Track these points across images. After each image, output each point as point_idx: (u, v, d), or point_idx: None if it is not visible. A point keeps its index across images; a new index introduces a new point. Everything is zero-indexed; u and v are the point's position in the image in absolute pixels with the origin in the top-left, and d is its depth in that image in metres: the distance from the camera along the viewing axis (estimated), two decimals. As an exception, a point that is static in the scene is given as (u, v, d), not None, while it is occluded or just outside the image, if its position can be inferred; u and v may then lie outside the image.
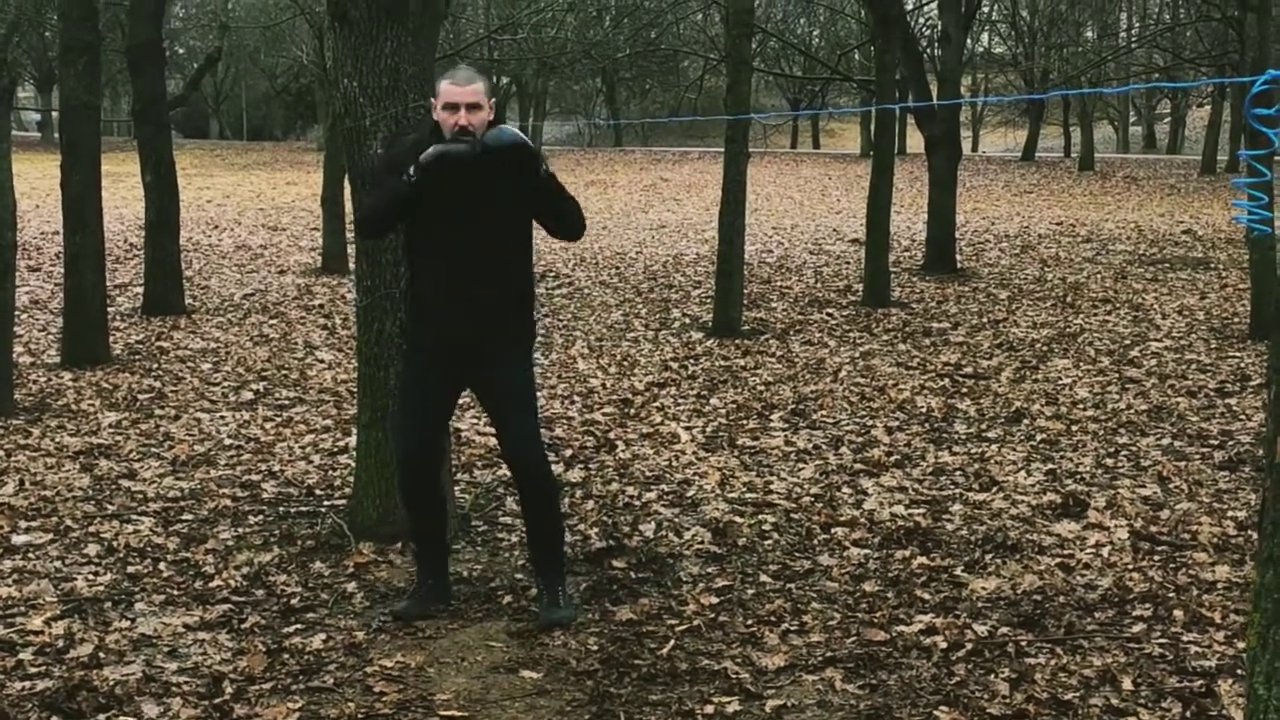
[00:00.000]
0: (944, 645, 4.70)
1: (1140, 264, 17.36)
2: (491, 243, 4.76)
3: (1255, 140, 6.84)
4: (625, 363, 10.46)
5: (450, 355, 4.86)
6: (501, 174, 4.66)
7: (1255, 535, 2.80)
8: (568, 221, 4.93)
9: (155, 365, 10.27)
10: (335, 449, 7.61)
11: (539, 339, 9.98)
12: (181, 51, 53.45)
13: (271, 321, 12.63)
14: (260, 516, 6.31)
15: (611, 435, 7.98)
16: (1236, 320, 12.39)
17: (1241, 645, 4.41)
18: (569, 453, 7.56)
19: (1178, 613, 4.98)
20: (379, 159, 4.89)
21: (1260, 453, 2.65)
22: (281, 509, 6.44)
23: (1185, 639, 4.75)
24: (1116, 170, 39.62)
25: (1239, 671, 4.28)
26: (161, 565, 5.61)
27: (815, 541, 5.94)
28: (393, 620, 4.95)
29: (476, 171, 4.61)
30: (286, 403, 8.96)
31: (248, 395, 9.19)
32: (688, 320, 12.80)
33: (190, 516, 6.33)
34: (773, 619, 4.98)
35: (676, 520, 6.24)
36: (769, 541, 5.92)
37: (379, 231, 5.02)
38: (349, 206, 6.69)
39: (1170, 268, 16.91)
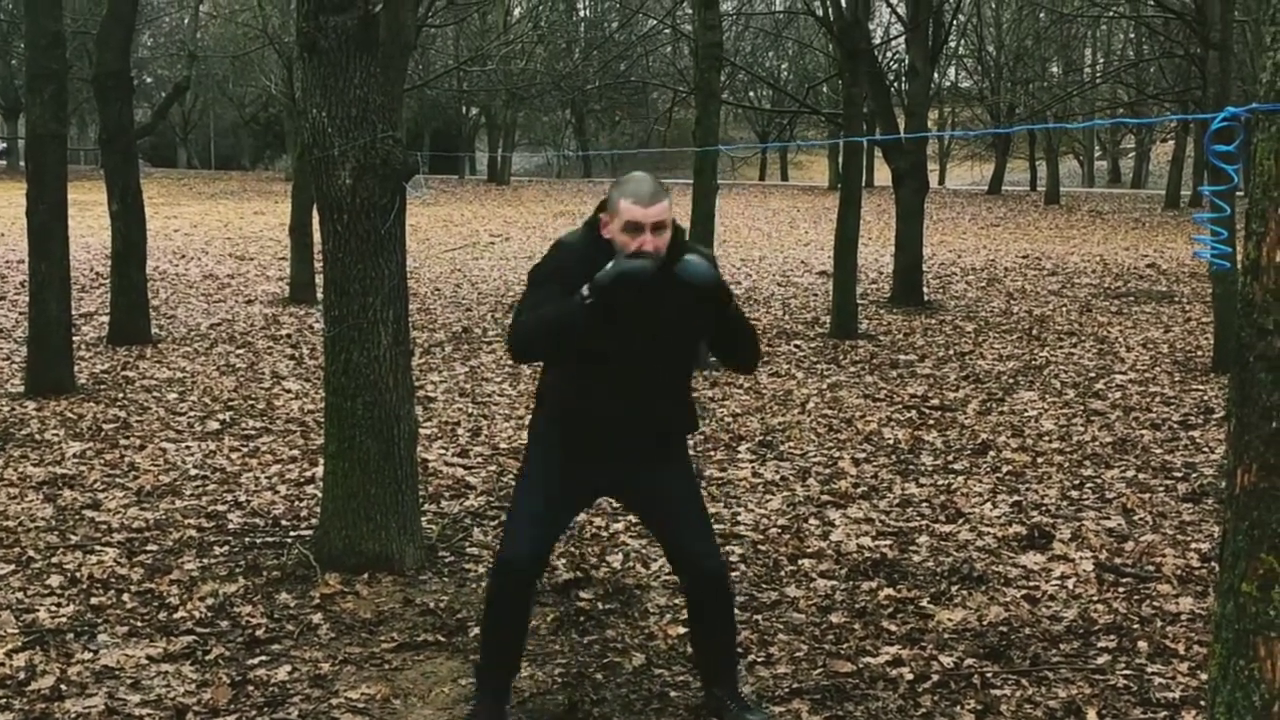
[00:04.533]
0: (910, 676, 4.71)
1: (1105, 297, 17.49)
2: (665, 369, 4.22)
3: (1216, 176, 6.88)
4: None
5: (593, 462, 4.25)
6: (684, 300, 4.05)
7: (1218, 567, 2.83)
8: (745, 354, 4.37)
9: (120, 395, 10.21)
10: (302, 479, 7.58)
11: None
12: (149, 80, 53.31)
13: (238, 351, 12.57)
14: (226, 547, 6.28)
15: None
16: (1200, 353, 12.49)
17: (1205, 676, 4.44)
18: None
19: (1142, 644, 5.01)
20: (542, 270, 4.16)
21: (1223, 485, 2.67)
22: (247, 539, 6.40)
23: (1150, 670, 4.77)
24: (1082, 204, 39.95)
25: (1202, 703, 4.30)
26: (125, 596, 5.57)
27: (782, 573, 5.95)
28: None
29: (659, 297, 4.02)
30: (253, 433, 8.92)
31: (214, 425, 9.14)
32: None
33: (155, 547, 6.29)
34: (739, 650, 4.98)
35: (644, 551, 6.24)
36: (736, 573, 5.92)
37: (540, 355, 4.25)
38: (317, 236, 6.67)
39: (1135, 301, 17.04)
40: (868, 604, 5.51)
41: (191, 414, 9.54)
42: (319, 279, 9.71)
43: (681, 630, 5.15)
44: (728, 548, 6.26)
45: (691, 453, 8.20)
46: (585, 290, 3.94)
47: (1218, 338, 11.62)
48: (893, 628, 5.22)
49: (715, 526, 6.59)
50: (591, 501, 4.57)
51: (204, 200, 39.25)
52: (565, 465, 4.23)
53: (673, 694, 4.57)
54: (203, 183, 47.86)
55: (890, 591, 5.65)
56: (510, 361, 4.17)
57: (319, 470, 6.85)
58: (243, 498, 7.20)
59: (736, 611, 5.35)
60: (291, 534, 6.45)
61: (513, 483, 7.45)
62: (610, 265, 3.94)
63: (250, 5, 24.65)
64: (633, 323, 4.04)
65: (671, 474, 4.31)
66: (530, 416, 4.47)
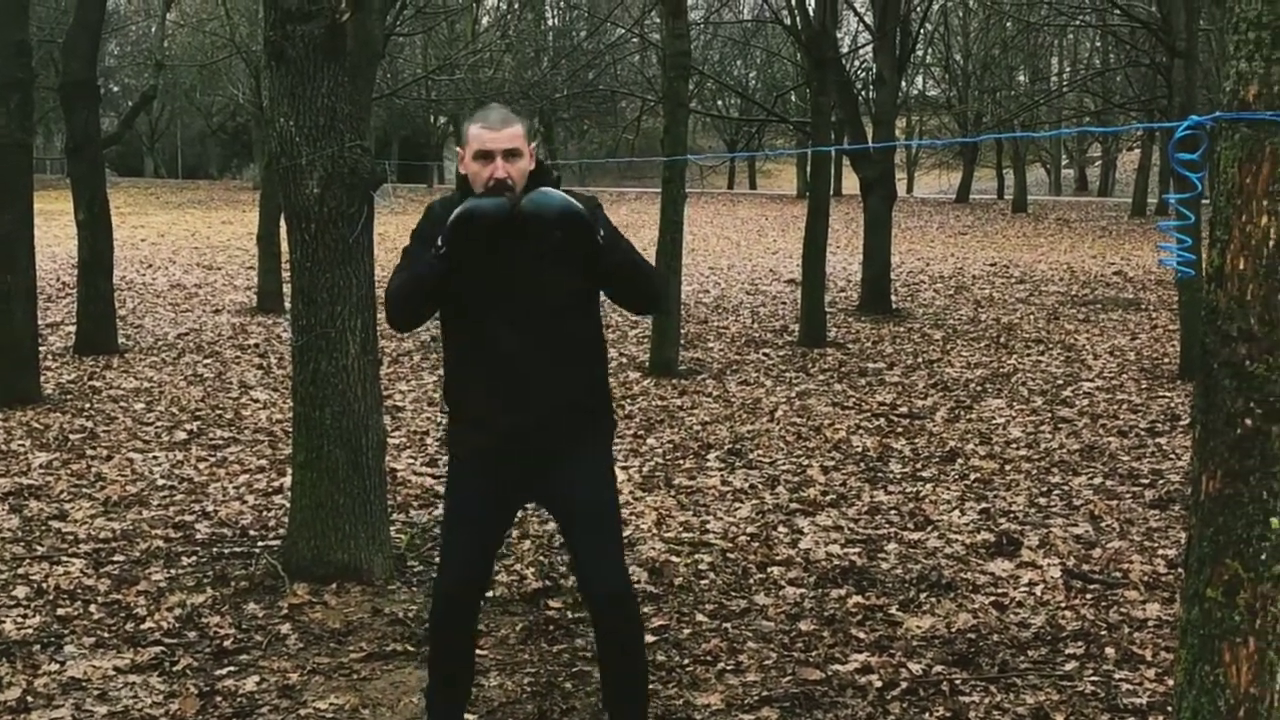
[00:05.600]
0: (879, 684, 4.72)
1: (1072, 305, 17.59)
2: (550, 325, 3.82)
3: (1181, 184, 6.97)
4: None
5: (505, 468, 3.93)
6: (552, 239, 3.71)
7: (1184, 573, 2.85)
8: (639, 289, 3.95)
9: (87, 405, 10.14)
10: (270, 489, 7.55)
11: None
12: (116, 89, 53.00)
13: (206, 361, 12.51)
14: (193, 557, 6.25)
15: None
16: (1167, 361, 12.57)
17: (1171, 682, 4.47)
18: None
19: (1109, 650, 5.04)
20: (413, 234, 3.92)
21: (1190, 491, 2.71)
22: (215, 550, 6.37)
23: (1117, 676, 4.80)
24: (1049, 212, 40.16)
25: (1169, 708, 4.32)
26: (92, 607, 5.53)
27: (751, 581, 5.95)
28: None
29: (522, 238, 3.71)
30: (221, 443, 8.87)
31: (181, 435, 9.09)
32: (625, 360, 12.82)
33: (122, 558, 6.25)
34: (709, 658, 4.98)
35: (613, 560, 6.22)
36: (705, 581, 5.92)
37: (408, 318, 3.89)
38: (285, 245, 6.65)
39: (1102, 308, 17.14)
40: (836, 611, 5.52)
41: (159, 424, 9.48)
42: (287, 288, 9.67)
43: (650, 639, 5.15)
44: (697, 555, 6.27)
45: (619, 459, 8.24)
46: (439, 240, 3.69)
47: (1184, 345, 11.70)
48: (861, 635, 5.24)
49: (684, 535, 6.63)
50: (516, 512, 4.26)
51: (171, 209, 39.06)
52: (480, 481, 3.96)
53: (643, 703, 4.56)
54: (170, 192, 47.59)
55: (859, 599, 5.66)
56: (390, 328, 3.78)
57: (287, 480, 6.82)
58: (210, 508, 7.16)
59: (705, 620, 5.37)
60: (259, 544, 6.42)
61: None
62: (460, 207, 3.66)
63: (218, 14, 24.55)
64: (500, 273, 3.76)
65: (583, 479, 3.94)
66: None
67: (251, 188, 44.37)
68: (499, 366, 3.82)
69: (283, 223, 6.53)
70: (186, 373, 11.80)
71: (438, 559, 4.21)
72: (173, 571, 6.02)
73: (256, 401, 10.40)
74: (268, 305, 16.37)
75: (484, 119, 3.80)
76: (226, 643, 5.13)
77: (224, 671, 4.85)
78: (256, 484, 7.70)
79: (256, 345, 13.57)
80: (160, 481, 7.75)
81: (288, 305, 10.31)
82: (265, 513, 7.07)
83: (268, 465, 8.15)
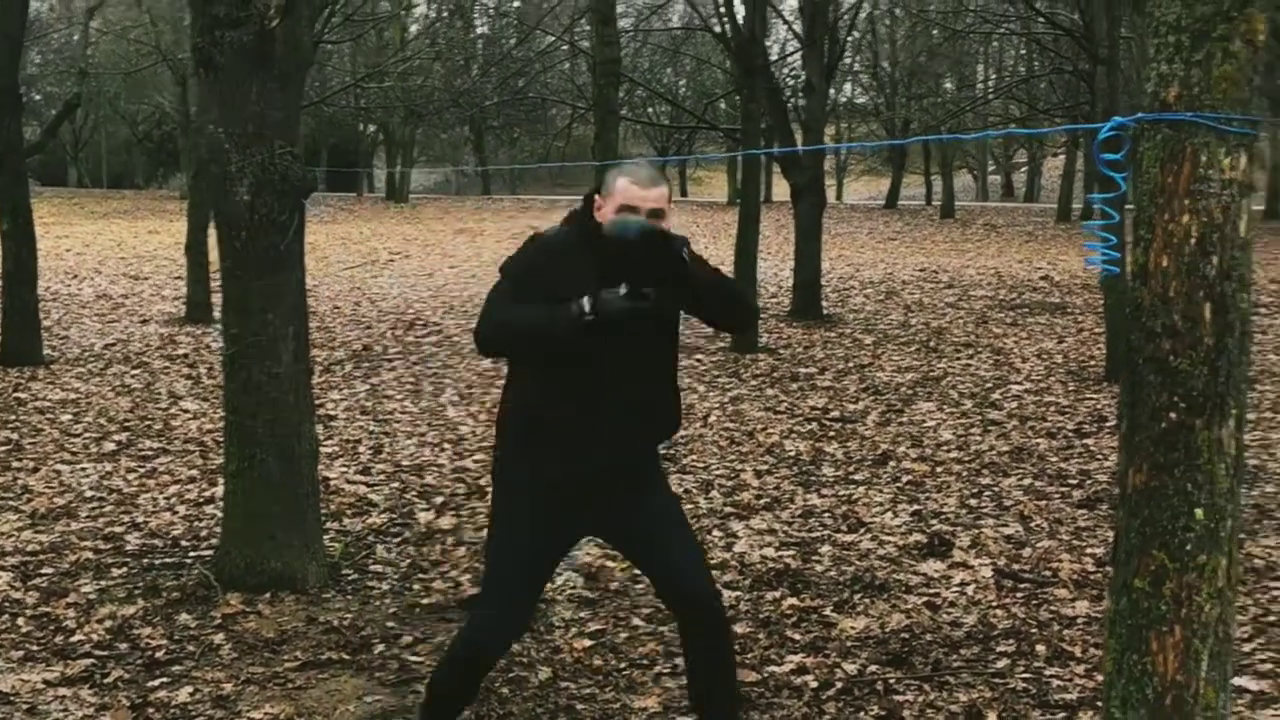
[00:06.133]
0: (814, 684, 4.75)
1: (1000, 309, 17.79)
2: (649, 351, 3.81)
3: (1105, 185, 7.08)
4: (496, 409, 10.41)
5: (578, 493, 3.79)
6: (641, 263, 3.65)
7: (1112, 569, 2.90)
8: (731, 306, 3.98)
9: (12, 417, 9.99)
10: (201, 499, 7.48)
11: (410, 384, 9.88)
12: (39, 98, 52.23)
13: (134, 371, 12.37)
14: (124, 569, 6.18)
15: (483, 482, 7.95)
16: (1093, 363, 12.74)
17: (1101, 678, 4.54)
18: (440, 500, 7.52)
19: (1040, 647, 5.11)
20: (516, 266, 3.82)
21: (1116, 491, 2.76)
22: (146, 561, 6.30)
23: (1048, 673, 4.86)
24: (976, 218, 40.58)
25: (1099, 703, 4.39)
26: (20, 620, 5.45)
27: (655, 591, 5.96)
28: None
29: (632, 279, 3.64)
30: (150, 453, 8.78)
31: (110, 446, 8.98)
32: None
33: (50, 570, 6.17)
34: (645, 662, 5.00)
35: (549, 566, 6.22)
36: (641, 585, 5.93)
37: (510, 353, 3.91)
38: (214, 255, 6.59)
39: (1029, 312, 17.35)
40: (772, 614, 5.55)
41: (86, 435, 9.36)
42: (216, 298, 9.59)
43: (588, 643, 5.16)
44: (633, 560, 6.28)
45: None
46: (587, 306, 3.57)
47: (1110, 347, 11.86)
48: (797, 637, 5.27)
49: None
50: (571, 547, 4.07)
51: (96, 219, 38.54)
52: (543, 515, 3.79)
53: (579, 707, 4.57)
54: (95, 202, 46.97)
55: (794, 601, 5.70)
56: (478, 351, 3.86)
57: (218, 490, 6.76)
58: (141, 519, 7.08)
59: (641, 624, 5.39)
60: (191, 554, 6.36)
61: (416, 500, 7.45)
62: (621, 291, 3.57)
63: (142, 22, 24.32)
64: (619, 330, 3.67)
65: (654, 496, 3.92)
66: (494, 455, 4.02)
67: (179, 197, 43.91)
68: (603, 391, 3.72)
69: (212, 231, 6.48)
70: (114, 383, 11.66)
71: (481, 594, 4.03)
72: (103, 583, 5.95)
73: (186, 412, 10.29)
74: (196, 315, 16.19)
75: (634, 175, 3.79)
76: (159, 654, 5.08)
77: (156, 683, 4.80)
78: (188, 494, 7.62)
79: (185, 355, 13.43)
80: (89, 493, 7.66)
81: (217, 315, 10.22)
82: (197, 523, 7.00)
83: (199, 475, 8.07)
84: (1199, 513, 2.73)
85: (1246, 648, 5.08)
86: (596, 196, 3.82)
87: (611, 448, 3.76)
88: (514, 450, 3.86)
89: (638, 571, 6.08)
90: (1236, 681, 4.55)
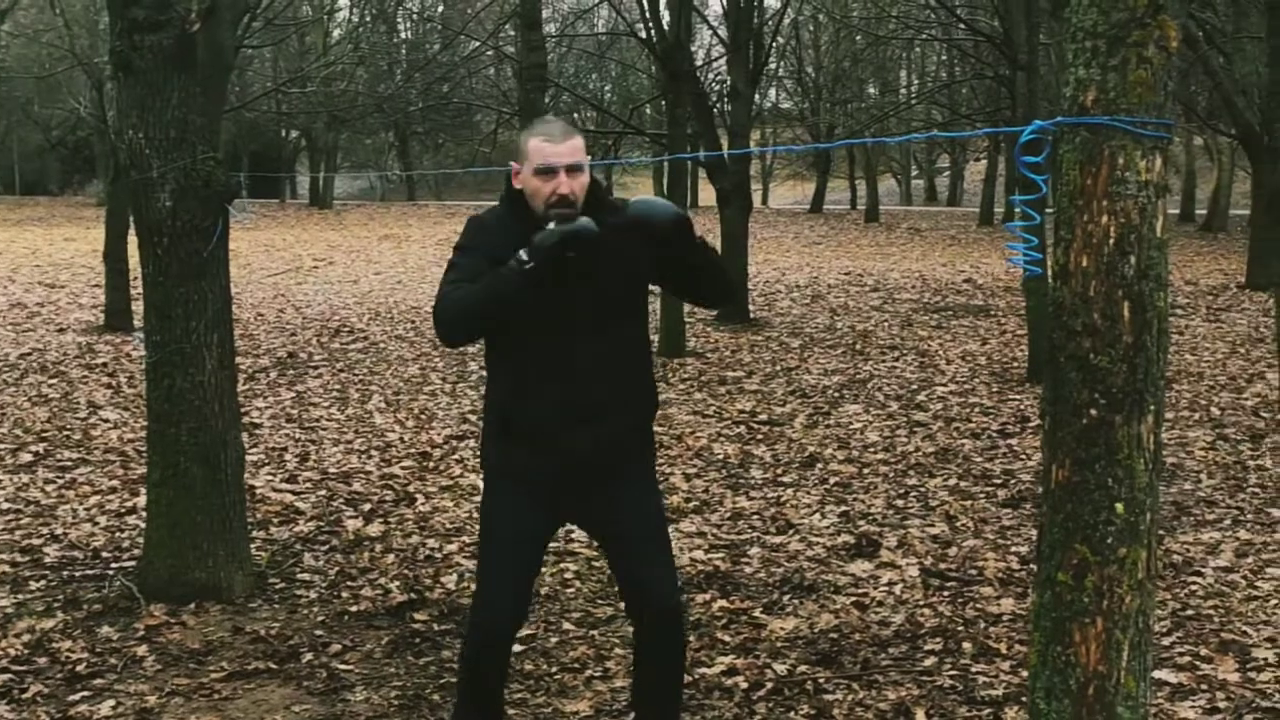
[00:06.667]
0: (745, 685, 4.77)
1: (925, 312, 17.96)
2: (618, 333, 3.78)
3: (1026, 187, 7.18)
4: (423, 416, 10.38)
5: (556, 484, 3.81)
6: (630, 248, 3.68)
7: (1035, 564, 2.94)
8: (718, 280, 3.92)
9: (-73, 428, 9.80)
10: (123, 510, 7.37)
11: (336, 391, 9.81)
12: (-50, 103, 51.32)
13: (51, 381, 12.17)
14: (42, 582, 6.07)
15: (411, 488, 7.91)
16: (1016, 365, 12.89)
17: (1026, 674, 4.60)
18: (368, 507, 7.47)
19: (966, 645, 5.16)
20: (460, 247, 3.80)
21: (1040, 490, 2.81)
22: (65, 573, 6.20)
23: (974, 670, 4.92)
24: (900, 222, 40.96)
25: (1024, 698, 4.45)
26: (-63, 636, 5.35)
27: (617, 588, 5.97)
28: None
29: (594, 249, 3.61)
30: (69, 464, 8.64)
31: (26, 457, 8.83)
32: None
33: (-33, 584, 6.05)
34: (576, 665, 5.00)
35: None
36: (571, 590, 5.93)
37: (471, 334, 3.78)
38: (134, 262, 6.51)
39: (953, 315, 17.53)
40: (702, 616, 5.57)
41: (1, 446, 9.20)
42: (136, 305, 9.47)
43: (518, 648, 5.14)
44: (562, 564, 6.28)
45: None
46: (523, 254, 3.53)
47: (1032, 349, 12.01)
48: (727, 638, 5.29)
49: (550, 544, 6.61)
50: (558, 528, 4.11)
51: (9, 227, 37.88)
52: (533, 502, 3.81)
53: (510, 712, 4.55)
54: (7, 209, 46.19)
55: (724, 603, 5.72)
56: (442, 342, 3.80)
57: (140, 500, 6.67)
58: (59, 530, 6.97)
59: (571, 628, 5.38)
60: (113, 566, 6.26)
61: (343, 508, 7.40)
62: (550, 227, 3.54)
63: (55, 25, 23.96)
64: (573, 283, 3.65)
65: (634, 488, 3.90)
66: (480, 444, 4.02)
67: (95, 204, 43.33)
68: (573, 380, 3.70)
69: (131, 238, 6.39)
70: (30, 393, 11.46)
71: (474, 590, 4.05)
72: (20, 597, 5.85)
73: (106, 421, 10.14)
74: (115, 323, 15.95)
75: (545, 131, 3.71)
76: (79, 667, 5.00)
77: (77, 697, 4.72)
78: (109, 505, 7.51)
79: (105, 364, 13.23)
80: (4, 505, 7.52)
81: (137, 323, 10.08)
82: (118, 534, 6.90)
83: (120, 485, 7.95)
84: (1119, 507, 2.77)
85: (1165, 641, 5.17)
86: (513, 164, 3.78)
87: (585, 438, 3.73)
88: (491, 445, 3.90)
89: (570, 575, 6.09)
90: (1156, 674, 4.63)
